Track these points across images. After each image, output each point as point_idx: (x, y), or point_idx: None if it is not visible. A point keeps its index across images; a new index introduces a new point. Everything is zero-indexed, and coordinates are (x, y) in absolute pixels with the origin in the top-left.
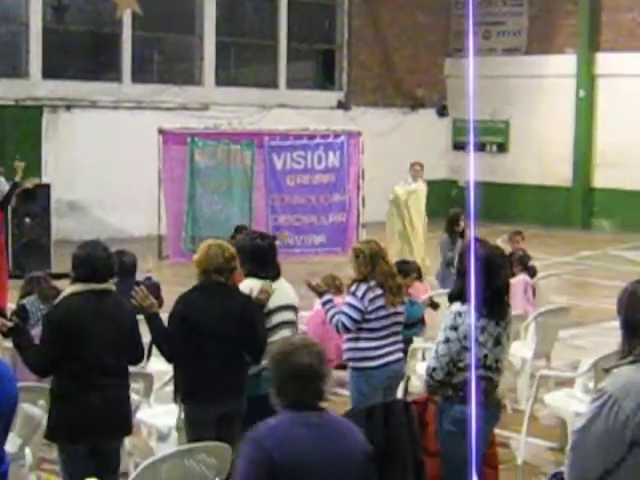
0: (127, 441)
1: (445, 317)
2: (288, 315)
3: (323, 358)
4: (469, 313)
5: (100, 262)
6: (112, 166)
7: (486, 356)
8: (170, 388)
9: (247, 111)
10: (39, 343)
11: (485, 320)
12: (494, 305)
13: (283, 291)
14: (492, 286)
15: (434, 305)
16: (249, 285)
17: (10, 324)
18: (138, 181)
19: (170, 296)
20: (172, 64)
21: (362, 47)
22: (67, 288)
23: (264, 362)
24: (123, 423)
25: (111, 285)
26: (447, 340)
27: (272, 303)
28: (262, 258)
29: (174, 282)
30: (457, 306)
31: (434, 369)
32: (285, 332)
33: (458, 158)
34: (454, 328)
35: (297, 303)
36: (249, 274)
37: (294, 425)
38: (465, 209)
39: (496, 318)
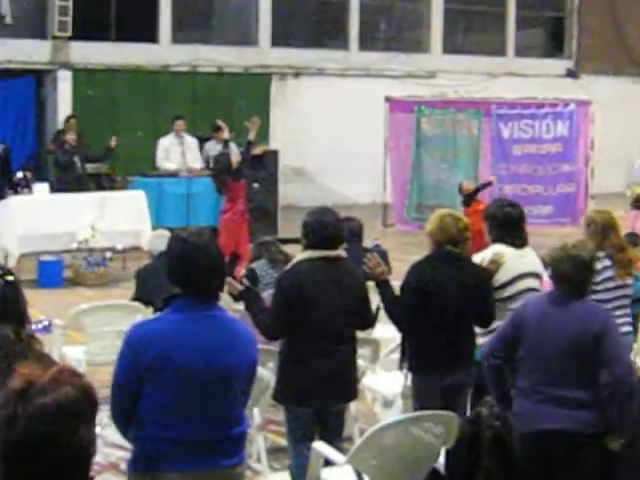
0: (352, 406)
1: None
2: (532, 282)
3: None
4: None
5: (330, 229)
6: (338, 133)
7: None
8: (396, 355)
9: (474, 79)
10: (270, 307)
11: None
12: None
13: (528, 259)
14: None
15: None
16: (496, 251)
17: (241, 287)
18: (363, 148)
19: (395, 263)
20: (399, 32)
21: (592, 14)
22: (299, 254)
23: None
24: (349, 389)
25: (342, 252)
26: None
27: (516, 270)
28: (511, 226)
29: (399, 250)
30: None
31: None
32: None
33: None
34: None
35: (541, 272)
36: (496, 240)
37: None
38: None
39: None
